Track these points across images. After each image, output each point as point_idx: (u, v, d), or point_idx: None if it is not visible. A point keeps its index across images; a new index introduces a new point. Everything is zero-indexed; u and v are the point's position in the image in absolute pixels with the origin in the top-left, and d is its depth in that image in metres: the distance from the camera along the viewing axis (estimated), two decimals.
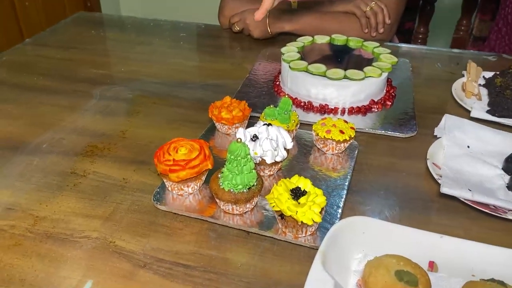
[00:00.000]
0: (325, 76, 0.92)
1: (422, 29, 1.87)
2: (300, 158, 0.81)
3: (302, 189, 0.63)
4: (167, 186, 0.70)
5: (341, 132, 0.78)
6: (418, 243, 0.60)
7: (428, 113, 0.94)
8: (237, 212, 0.66)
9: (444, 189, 0.69)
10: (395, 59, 0.99)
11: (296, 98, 0.97)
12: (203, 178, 0.70)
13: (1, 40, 2.17)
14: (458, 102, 0.96)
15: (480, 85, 1.02)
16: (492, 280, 0.52)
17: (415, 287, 0.51)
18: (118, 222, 0.66)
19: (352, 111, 0.93)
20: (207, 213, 0.67)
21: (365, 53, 1.04)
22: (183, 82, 1.07)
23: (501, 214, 0.67)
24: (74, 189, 0.73)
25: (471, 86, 0.99)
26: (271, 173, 0.74)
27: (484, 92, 1.00)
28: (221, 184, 0.65)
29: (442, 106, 0.96)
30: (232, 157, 0.63)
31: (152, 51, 1.24)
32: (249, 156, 0.63)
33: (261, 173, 0.74)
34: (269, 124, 0.73)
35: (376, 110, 0.94)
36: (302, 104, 0.95)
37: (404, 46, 1.29)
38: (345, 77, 0.92)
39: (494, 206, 0.69)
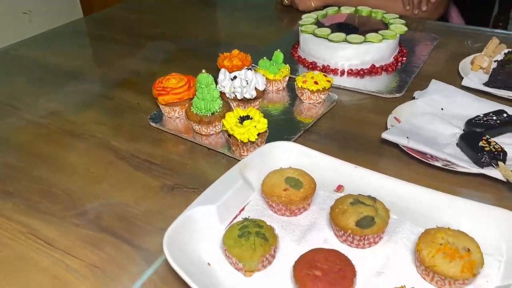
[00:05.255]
0: (327, 38, 1.02)
1: (502, 17, 1.78)
2: (283, 103, 0.93)
3: (251, 117, 0.76)
4: (161, 109, 0.89)
5: (316, 83, 0.88)
6: (334, 169, 0.69)
7: (425, 81, 0.97)
8: (204, 133, 0.82)
9: (384, 135, 0.77)
10: (404, 29, 1.04)
11: (305, 59, 1.08)
12: (187, 105, 0.87)
13: None
14: (460, 73, 0.98)
15: (496, 61, 1.02)
16: (369, 196, 0.60)
17: (297, 190, 0.62)
18: (119, 130, 0.87)
19: (351, 73, 1.02)
20: (184, 133, 0.84)
21: (381, 23, 1.10)
22: (223, 42, 1.25)
23: (429, 160, 0.72)
24: (101, 106, 0.96)
25: (481, 60, 1.00)
26: None
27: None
28: (192, 108, 0.81)
29: (443, 77, 0.99)
30: (198, 85, 0.78)
31: (212, 19, 1.45)
32: (212, 86, 0.79)
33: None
34: (249, 68, 0.87)
35: (375, 75, 1.01)
36: (307, 64, 1.06)
37: (446, 24, 1.30)
38: (345, 40, 1.00)
39: (430, 155, 0.74)
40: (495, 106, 0.84)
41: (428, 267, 0.51)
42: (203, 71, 0.78)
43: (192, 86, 0.86)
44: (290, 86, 0.98)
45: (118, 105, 0.96)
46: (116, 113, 0.93)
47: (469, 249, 0.51)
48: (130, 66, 1.13)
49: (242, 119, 0.76)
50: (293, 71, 1.03)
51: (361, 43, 0.99)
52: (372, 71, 1.02)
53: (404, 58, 1.07)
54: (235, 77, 0.86)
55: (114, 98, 0.98)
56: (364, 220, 0.56)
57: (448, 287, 0.51)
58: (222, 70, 0.87)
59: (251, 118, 0.76)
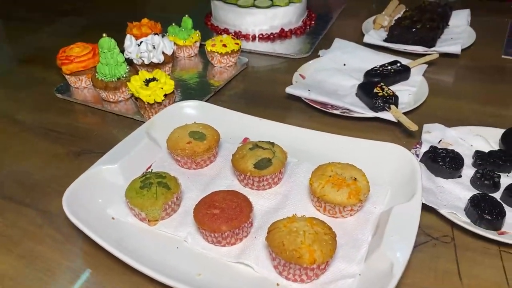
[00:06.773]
0: (236, 4, 1.03)
1: None
2: (196, 69, 0.94)
3: (157, 79, 0.76)
4: (67, 80, 0.86)
5: (224, 46, 0.89)
6: (239, 123, 0.71)
7: (332, 41, 1.02)
8: (112, 99, 0.81)
9: (288, 89, 0.80)
10: None
11: (217, 26, 1.09)
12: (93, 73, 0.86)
13: None
14: (363, 32, 1.04)
15: (396, 20, 1.08)
16: (268, 142, 0.63)
17: (200, 142, 0.63)
18: (24, 104, 0.85)
19: (262, 37, 1.04)
20: (93, 102, 0.83)
21: None
22: (137, 15, 1.22)
23: (329, 110, 0.76)
24: (4, 83, 0.92)
25: (381, 19, 1.05)
26: None
27: None
28: (97, 74, 0.80)
29: (348, 36, 1.04)
30: (101, 50, 0.77)
31: None
32: (115, 50, 0.78)
33: None
34: (156, 34, 0.87)
35: (285, 38, 1.04)
36: (219, 31, 1.07)
37: None
38: (254, 5, 1.02)
39: (331, 105, 0.78)
40: (391, 58, 0.89)
41: (319, 197, 0.54)
42: (104, 35, 0.77)
43: (97, 54, 0.84)
44: (203, 53, 0.98)
45: (24, 80, 0.93)
46: (21, 88, 0.90)
47: (355, 178, 0.55)
48: (38, 42, 1.09)
49: (148, 81, 0.76)
50: (207, 39, 1.03)
51: (268, 7, 1.02)
52: (282, 35, 1.05)
53: (313, 22, 1.11)
54: (141, 43, 0.86)
55: (19, 73, 0.95)
56: (261, 162, 0.58)
57: (340, 215, 0.55)
58: (128, 36, 0.86)
59: (157, 80, 0.76)
